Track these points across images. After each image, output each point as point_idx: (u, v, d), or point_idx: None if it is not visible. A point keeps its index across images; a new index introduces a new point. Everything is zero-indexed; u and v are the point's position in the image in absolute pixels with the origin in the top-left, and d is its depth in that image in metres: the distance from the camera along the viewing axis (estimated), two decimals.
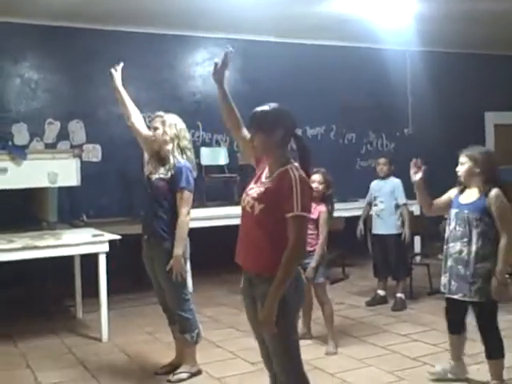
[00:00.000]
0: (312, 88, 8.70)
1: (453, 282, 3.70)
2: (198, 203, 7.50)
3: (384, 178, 6.07)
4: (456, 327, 3.85)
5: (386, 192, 6.02)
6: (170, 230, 3.99)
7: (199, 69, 8.37)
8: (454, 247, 3.70)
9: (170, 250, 3.95)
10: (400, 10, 7.08)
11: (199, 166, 7.79)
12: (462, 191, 3.81)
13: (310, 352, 4.61)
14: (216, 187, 7.95)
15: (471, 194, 3.72)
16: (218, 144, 8.35)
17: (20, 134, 7.23)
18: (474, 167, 3.73)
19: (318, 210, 4.70)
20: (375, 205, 6.08)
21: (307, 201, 2.63)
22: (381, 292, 6.12)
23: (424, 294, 6.33)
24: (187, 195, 3.99)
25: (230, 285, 6.69)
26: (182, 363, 4.20)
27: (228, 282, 6.79)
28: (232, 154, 8.21)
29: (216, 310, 6.06)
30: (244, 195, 2.82)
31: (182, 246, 3.96)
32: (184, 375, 4.13)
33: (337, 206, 7.72)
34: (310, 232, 4.73)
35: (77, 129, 7.58)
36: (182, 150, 4.07)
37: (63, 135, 7.49)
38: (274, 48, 8.61)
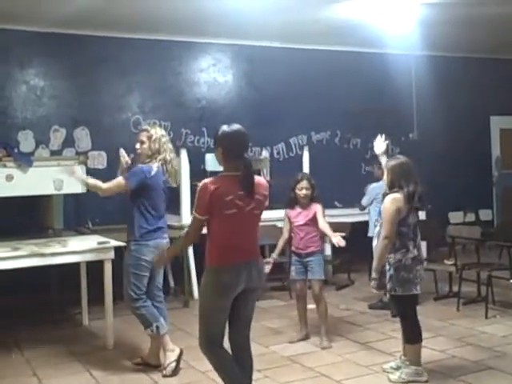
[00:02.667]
0: (317, 93, 8.70)
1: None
2: None
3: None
4: None
5: None
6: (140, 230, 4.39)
7: (204, 75, 8.38)
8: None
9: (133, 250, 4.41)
10: (405, 14, 7.06)
11: (204, 171, 7.82)
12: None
13: (315, 359, 4.61)
14: None
15: None
16: None
17: (26, 141, 7.25)
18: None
19: (313, 209, 4.98)
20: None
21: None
22: (385, 298, 6.08)
23: (430, 300, 6.30)
24: (120, 182, 4.42)
25: None
26: (155, 357, 4.53)
27: None
28: None
29: None
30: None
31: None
32: (173, 364, 4.39)
33: (342, 211, 7.77)
34: (313, 234, 4.97)
35: (82, 136, 7.59)
36: (163, 164, 4.41)
37: (69, 142, 7.50)
38: (280, 53, 8.61)
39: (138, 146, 4.45)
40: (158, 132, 4.47)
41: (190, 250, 6.79)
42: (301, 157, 7.85)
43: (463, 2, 6.74)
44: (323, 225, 4.92)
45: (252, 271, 3.28)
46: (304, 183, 5.02)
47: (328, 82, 8.79)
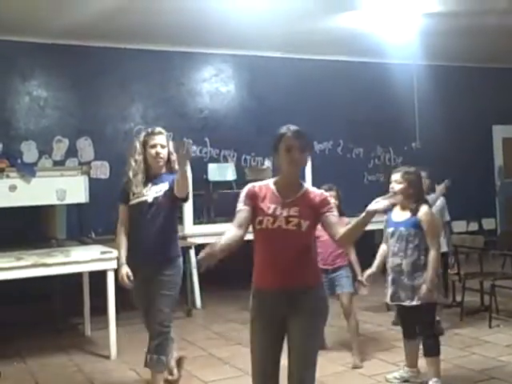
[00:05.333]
0: (319, 103, 8.72)
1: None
2: (205, 219, 7.53)
3: None
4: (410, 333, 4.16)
5: None
6: (177, 244, 3.97)
7: (206, 85, 8.41)
8: (393, 261, 4.06)
9: (179, 265, 3.93)
10: (406, 24, 7.10)
11: (207, 181, 7.83)
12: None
13: (317, 369, 4.56)
14: (224, 203, 7.92)
15: (403, 213, 4.07)
16: (225, 160, 8.36)
17: (29, 151, 7.28)
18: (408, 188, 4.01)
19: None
20: None
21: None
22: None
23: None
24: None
25: (238, 301, 6.66)
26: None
27: (236, 297, 6.76)
28: (240, 169, 8.22)
29: (225, 326, 6.03)
30: (271, 217, 2.86)
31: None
32: None
33: (345, 220, 7.73)
34: (340, 249, 4.75)
35: (85, 146, 7.62)
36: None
37: (71, 152, 7.53)
38: (281, 63, 8.65)
39: (160, 149, 3.85)
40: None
41: (193, 259, 6.78)
42: (303, 166, 7.83)
43: (464, 12, 6.78)
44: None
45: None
46: (332, 192, 4.75)
47: (330, 92, 8.82)
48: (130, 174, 3.88)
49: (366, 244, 6.28)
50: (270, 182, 3.00)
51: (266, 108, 8.35)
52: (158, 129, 3.97)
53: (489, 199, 10.22)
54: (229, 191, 8.02)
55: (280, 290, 2.81)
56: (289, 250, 2.82)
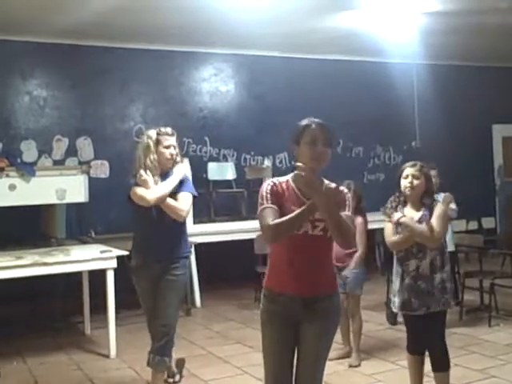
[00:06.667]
0: (319, 102, 8.70)
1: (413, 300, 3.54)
2: (205, 218, 7.54)
3: None
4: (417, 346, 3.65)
5: None
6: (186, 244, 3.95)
7: (206, 85, 8.41)
8: (411, 265, 3.56)
9: (185, 266, 3.90)
10: (406, 24, 7.09)
11: (206, 181, 7.84)
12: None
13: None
14: (223, 202, 7.96)
15: (416, 212, 3.60)
16: (225, 159, 8.36)
17: (29, 150, 7.27)
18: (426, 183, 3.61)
19: (355, 222, 4.67)
20: None
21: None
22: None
23: None
24: (188, 198, 3.86)
25: (237, 300, 6.67)
26: None
27: (236, 296, 6.77)
28: (239, 168, 8.22)
29: (224, 325, 6.03)
30: None
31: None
32: None
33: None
34: (353, 249, 4.65)
35: (85, 145, 7.61)
36: None
37: (71, 152, 7.52)
38: (281, 63, 8.64)
39: (173, 151, 3.85)
40: None
41: (193, 259, 6.79)
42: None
43: (464, 10, 6.77)
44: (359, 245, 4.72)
45: None
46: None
47: (330, 91, 8.81)
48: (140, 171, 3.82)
49: (366, 244, 6.31)
50: (289, 179, 2.75)
51: (266, 107, 8.35)
52: (170, 129, 3.93)
53: (488, 198, 10.22)
54: (228, 190, 8.04)
55: (297, 295, 2.66)
56: (311, 256, 2.66)
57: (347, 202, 2.71)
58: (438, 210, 3.54)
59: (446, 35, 7.83)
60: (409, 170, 3.60)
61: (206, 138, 8.26)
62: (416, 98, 9.51)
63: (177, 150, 3.90)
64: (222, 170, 8.20)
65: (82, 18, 6.42)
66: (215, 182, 7.98)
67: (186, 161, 6.85)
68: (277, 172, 8.43)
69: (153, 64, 7.93)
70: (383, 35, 7.52)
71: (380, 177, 9.43)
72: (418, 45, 8.00)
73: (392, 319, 5.75)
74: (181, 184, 3.85)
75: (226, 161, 8.36)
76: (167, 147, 3.84)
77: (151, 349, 3.89)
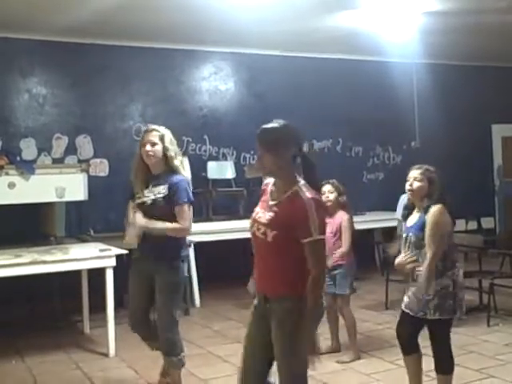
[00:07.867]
0: (318, 101, 8.72)
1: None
2: (204, 217, 7.53)
3: None
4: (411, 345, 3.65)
5: None
6: (178, 248, 3.92)
7: (206, 83, 8.40)
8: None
9: (177, 267, 3.88)
10: (406, 23, 7.09)
11: (206, 179, 7.83)
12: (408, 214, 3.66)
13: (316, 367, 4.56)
14: (223, 201, 7.95)
15: (416, 215, 3.61)
16: (224, 158, 8.36)
17: (28, 148, 7.26)
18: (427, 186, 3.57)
19: (340, 218, 4.80)
20: None
21: (323, 222, 2.60)
22: None
23: None
24: (186, 210, 3.84)
25: (236, 299, 6.67)
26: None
27: (235, 295, 6.76)
28: (239, 167, 8.22)
29: (223, 324, 6.04)
30: (252, 221, 2.76)
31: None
32: None
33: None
34: (339, 246, 4.81)
35: (84, 144, 7.61)
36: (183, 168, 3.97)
37: (71, 150, 7.52)
38: (281, 62, 8.64)
39: (148, 147, 3.77)
40: (169, 133, 3.89)
41: (192, 257, 6.80)
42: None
43: (464, 10, 6.77)
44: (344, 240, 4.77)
45: None
46: (327, 186, 4.76)
47: (329, 90, 8.81)
48: (131, 174, 3.90)
49: (365, 243, 6.32)
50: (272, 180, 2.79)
51: (266, 106, 8.34)
52: (152, 126, 3.91)
53: (488, 198, 10.23)
54: (228, 189, 8.03)
55: (260, 292, 2.77)
56: (261, 256, 2.72)
57: (309, 224, 2.52)
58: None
59: (445, 35, 7.83)
60: (411, 173, 3.61)
61: (206, 137, 8.25)
62: (416, 98, 9.51)
63: (161, 146, 3.79)
64: (221, 169, 8.20)
65: (81, 16, 6.41)
66: (215, 180, 7.97)
67: (186, 159, 6.87)
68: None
69: (152, 62, 7.92)
70: (383, 34, 7.52)
71: (379, 176, 9.43)
72: (417, 44, 8.01)
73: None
74: (174, 193, 3.78)
75: (226, 159, 8.35)
76: (143, 145, 3.81)
77: (162, 355, 4.01)
